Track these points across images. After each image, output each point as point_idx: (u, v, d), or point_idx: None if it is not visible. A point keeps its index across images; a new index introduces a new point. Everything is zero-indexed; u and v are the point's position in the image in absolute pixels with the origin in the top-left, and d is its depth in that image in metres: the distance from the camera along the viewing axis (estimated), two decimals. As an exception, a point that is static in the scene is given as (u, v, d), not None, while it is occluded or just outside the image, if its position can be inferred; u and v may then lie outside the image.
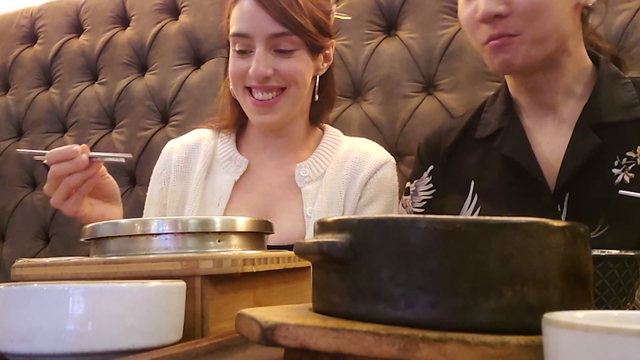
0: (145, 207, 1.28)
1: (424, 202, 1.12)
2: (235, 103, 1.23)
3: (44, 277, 0.64)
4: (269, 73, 1.11)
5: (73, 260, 0.65)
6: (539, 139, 1.00)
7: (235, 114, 1.24)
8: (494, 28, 0.92)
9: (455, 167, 1.09)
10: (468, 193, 1.05)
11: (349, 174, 1.18)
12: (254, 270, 0.62)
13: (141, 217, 1.24)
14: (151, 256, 0.61)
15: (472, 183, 1.05)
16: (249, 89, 1.14)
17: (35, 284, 0.48)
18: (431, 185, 1.12)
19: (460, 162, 1.09)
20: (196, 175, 1.20)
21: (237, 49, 1.14)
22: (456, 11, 1.51)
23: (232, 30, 1.14)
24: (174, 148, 1.26)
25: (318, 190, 1.17)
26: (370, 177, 1.18)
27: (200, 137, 1.26)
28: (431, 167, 1.12)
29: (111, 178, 1.09)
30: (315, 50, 1.15)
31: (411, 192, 1.15)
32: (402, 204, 1.18)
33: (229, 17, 1.17)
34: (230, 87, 1.19)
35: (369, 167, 1.19)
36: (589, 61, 1.01)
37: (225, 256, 0.59)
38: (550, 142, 0.99)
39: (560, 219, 0.71)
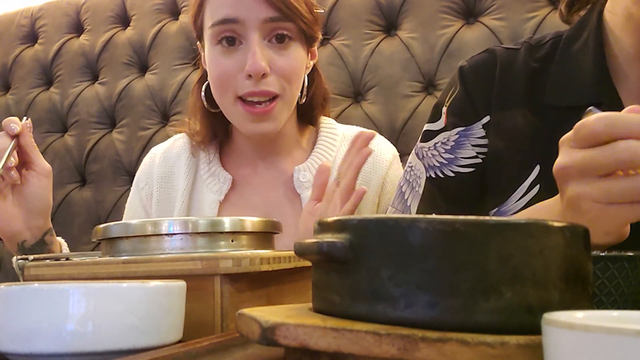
0: (124, 217, 1.19)
1: (464, 169, 0.81)
2: (210, 117, 1.11)
3: (61, 276, 0.64)
4: (267, 69, 0.97)
5: (90, 260, 0.65)
6: None
7: (210, 129, 1.12)
8: None
9: (512, 131, 0.77)
10: (525, 179, 0.75)
11: (359, 180, 1.07)
12: (270, 269, 0.62)
13: None
14: (170, 255, 0.61)
15: (538, 168, 0.74)
16: (240, 97, 1.00)
17: (36, 284, 0.48)
18: (484, 142, 0.79)
19: (519, 126, 0.77)
20: (180, 195, 1.11)
21: (223, 42, 1.00)
22: (456, 11, 1.52)
23: (215, 17, 0.99)
24: (155, 160, 1.17)
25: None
26: (384, 181, 1.10)
27: (182, 147, 1.15)
28: (487, 119, 0.80)
29: (42, 187, 0.93)
30: (309, 41, 1.05)
31: (451, 141, 0.82)
32: (417, 152, 0.87)
33: (201, 5, 1.03)
34: (203, 95, 1.07)
35: (379, 170, 1.10)
36: None
37: (244, 255, 0.60)
38: None
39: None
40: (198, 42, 1.11)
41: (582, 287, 0.40)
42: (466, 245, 0.37)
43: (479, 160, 0.80)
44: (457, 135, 0.81)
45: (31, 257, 0.70)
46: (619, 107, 0.68)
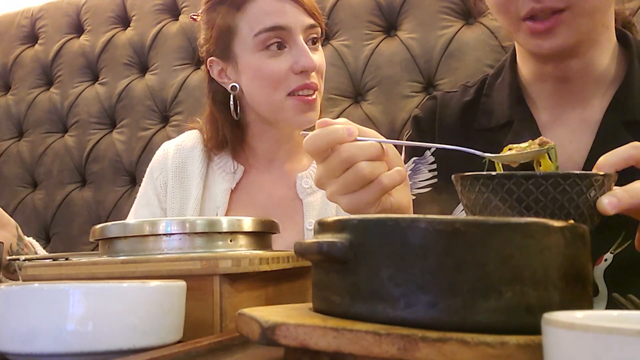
0: (134, 207, 1.22)
1: (423, 190, 0.95)
2: (230, 126, 1.17)
3: (60, 276, 0.64)
4: (315, 65, 1.10)
5: (89, 260, 0.65)
6: (560, 137, 0.82)
7: (225, 137, 1.18)
8: (537, 2, 0.75)
9: (453, 156, 0.89)
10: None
11: None
12: (269, 269, 0.63)
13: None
14: (169, 255, 0.61)
15: None
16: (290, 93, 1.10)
17: (36, 284, 0.48)
18: (435, 166, 0.94)
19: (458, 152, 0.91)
20: (195, 183, 1.16)
21: (271, 47, 1.10)
22: (456, 11, 1.52)
23: (261, 26, 1.09)
24: (169, 152, 1.21)
25: (323, 202, 1.13)
26: None
27: (196, 140, 1.21)
28: (434, 149, 0.95)
29: None
30: (323, 43, 1.18)
31: (408, 170, 0.96)
32: None
33: (230, 25, 1.11)
34: (232, 109, 1.14)
35: None
36: (614, 37, 0.84)
37: (243, 255, 0.60)
38: (573, 140, 0.83)
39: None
40: (212, 59, 1.15)
41: (582, 287, 0.40)
42: (466, 245, 0.37)
43: (435, 180, 0.94)
44: (414, 164, 0.97)
45: (22, 257, 0.70)
46: (530, 122, 0.86)
